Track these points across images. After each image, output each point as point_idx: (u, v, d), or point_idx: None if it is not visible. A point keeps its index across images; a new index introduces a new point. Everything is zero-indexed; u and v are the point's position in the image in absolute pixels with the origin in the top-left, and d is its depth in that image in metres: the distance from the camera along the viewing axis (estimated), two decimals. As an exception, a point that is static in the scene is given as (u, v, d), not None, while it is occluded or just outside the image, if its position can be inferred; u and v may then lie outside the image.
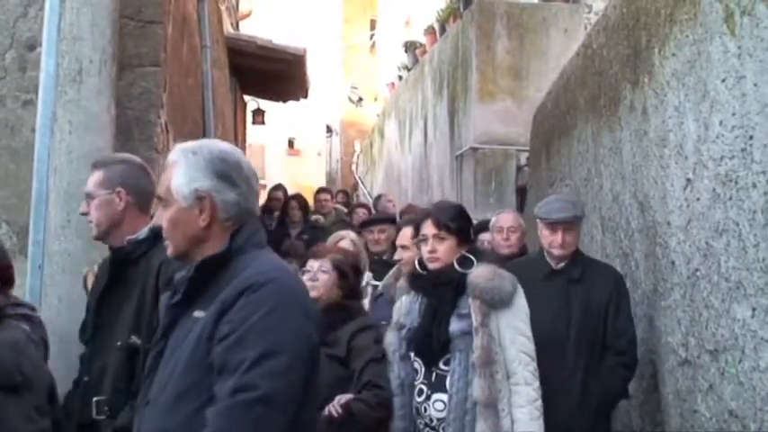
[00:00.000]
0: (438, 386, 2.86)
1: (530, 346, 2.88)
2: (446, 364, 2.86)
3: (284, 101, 12.06)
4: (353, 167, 19.82)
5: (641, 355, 3.70)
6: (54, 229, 3.59)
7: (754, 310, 2.59)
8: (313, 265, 3.20)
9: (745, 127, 2.63)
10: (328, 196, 8.78)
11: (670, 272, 3.32)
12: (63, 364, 2.96)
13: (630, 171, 3.83)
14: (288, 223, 7.51)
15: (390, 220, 5.59)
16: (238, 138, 10.55)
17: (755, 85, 2.55)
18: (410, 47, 13.37)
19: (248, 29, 12.35)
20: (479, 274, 2.90)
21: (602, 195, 4.27)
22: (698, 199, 3.02)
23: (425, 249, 3.00)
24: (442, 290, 2.95)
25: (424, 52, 12.30)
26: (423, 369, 2.91)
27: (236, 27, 10.76)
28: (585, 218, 4.00)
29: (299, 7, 22.29)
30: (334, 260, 3.21)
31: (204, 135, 6.28)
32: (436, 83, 11.04)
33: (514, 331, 2.86)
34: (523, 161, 8.33)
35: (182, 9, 5.28)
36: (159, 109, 4.45)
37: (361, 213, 7.73)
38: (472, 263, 2.95)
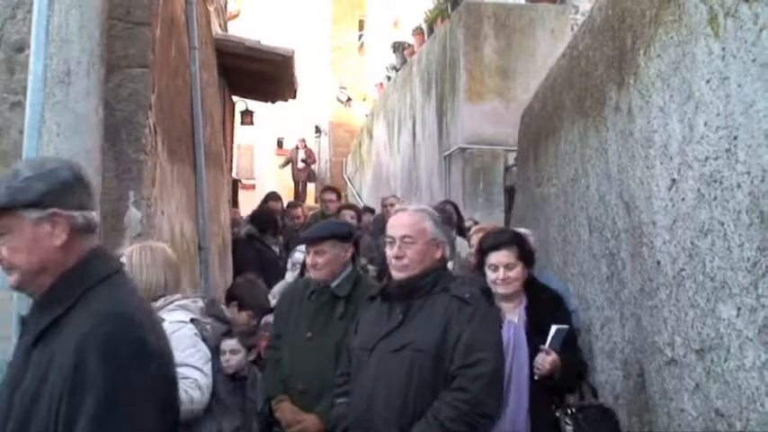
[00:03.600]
0: None
1: None
2: None
3: (273, 101, 12.04)
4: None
5: (627, 355, 3.72)
6: (42, 231, 3.58)
7: (739, 309, 2.62)
8: None
9: (729, 128, 2.66)
10: (334, 196, 8.02)
11: (656, 272, 3.34)
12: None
13: (616, 171, 3.86)
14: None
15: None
16: (227, 138, 10.52)
17: (739, 85, 2.58)
18: (398, 47, 13.42)
19: (236, 29, 12.33)
20: None
21: (589, 196, 4.29)
22: (683, 199, 3.05)
23: None
24: None
25: (413, 53, 12.35)
26: None
27: (225, 28, 10.73)
28: (575, 217, 3.88)
29: (287, 7, 22.29)
30: None
31: (193, 136, 6.26)
32: (424, 83, 11.07)
33: None
34: (511, 161, 8.37)
35: (170, 11, 5.27)
36: (148, 110, 4.44)
37: (348, 217, 7.00)
38: None
